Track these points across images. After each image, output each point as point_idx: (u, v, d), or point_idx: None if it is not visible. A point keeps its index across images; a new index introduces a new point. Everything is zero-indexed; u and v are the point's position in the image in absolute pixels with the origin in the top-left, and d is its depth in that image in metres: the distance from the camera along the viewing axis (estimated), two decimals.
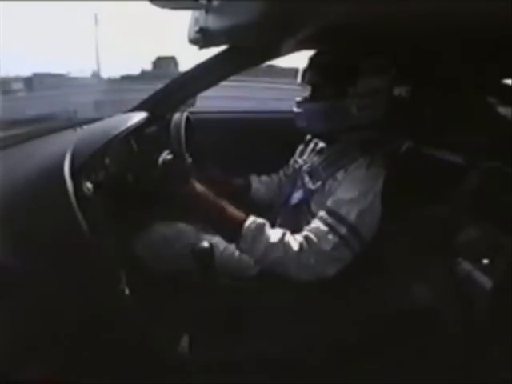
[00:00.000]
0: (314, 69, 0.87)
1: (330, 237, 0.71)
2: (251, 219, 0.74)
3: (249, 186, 1.12)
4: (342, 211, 0.73)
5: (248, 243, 0.71)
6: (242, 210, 0.77)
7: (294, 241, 0.72)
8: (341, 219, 0.73)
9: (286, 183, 1.04)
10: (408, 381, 0.76)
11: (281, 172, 1.15)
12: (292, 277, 0.73)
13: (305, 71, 0.88)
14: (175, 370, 0.74)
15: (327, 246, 0.71)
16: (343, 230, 0.72)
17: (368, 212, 0.74)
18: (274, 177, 1.16)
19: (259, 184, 1.13)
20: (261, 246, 0.71)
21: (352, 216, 0.73)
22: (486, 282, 0.73)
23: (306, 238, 0.73)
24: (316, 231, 0.73)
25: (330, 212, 0.74)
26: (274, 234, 0.72)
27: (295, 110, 0.89)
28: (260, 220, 0.74)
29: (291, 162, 1.11)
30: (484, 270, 0.74)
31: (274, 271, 0.74)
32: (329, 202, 0.76)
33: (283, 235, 0.73)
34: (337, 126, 0.85)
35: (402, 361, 0.75)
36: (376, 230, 0.76)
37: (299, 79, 0.89)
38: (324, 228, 0.73)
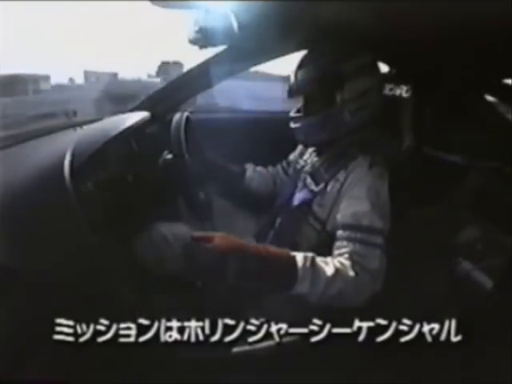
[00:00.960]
0: (299, 82, 0.87)
1: (371, 252, 0.70)
2: (300, 258, 0.65)
3: (243, 173, 1.12)
4: (366, 222, 0.72)
5: (307, 286, 0.64)
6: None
7: (345, 267, 0.68)
8: (371, 230, 0.71)
9: (286, 182, 1.04)
10: (407, 381, 0.76)
11: (279, 166, 1.15)
12: (351, 304, 0.69)
13: (291, 86, 0.88)
14: (175, 369, 0.74)
15: (375, 262, 0.69)
16: (379, 240, 0.71)
17: (386, 212, 0.75)
18: (271, 169, 1.16)
19: (253, 173, 1.13)
20: (321, 284, 0.65)
21: (378, 223, 0.72)
22: (486, 281, 0.73)
23: (351, 260, 0.69)
24: (356, 251, 0.70)
25: (355, 228, 0.72)
26: (327, 266, 0.67)
27: (291, 125, 0.90)
28: (308, 254, 0.67)
29: (291, 157, 1.11)
30: (484, 269, 0.74)
31: (332, 304, 0.69)
32: (346, 218, 0.74)
33: (334, 264, 0.68)
34: (334, 133, 0.85)
35: (400, 361, 0.75)
36: None
37: (289, 93, 0.90)
38: (360, 246, 0.70)
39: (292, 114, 0.91)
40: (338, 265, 0.68)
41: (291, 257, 0.66)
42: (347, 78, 0.81)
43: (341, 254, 0.71)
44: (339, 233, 0.74)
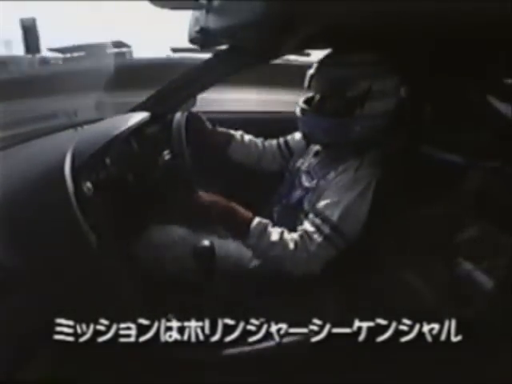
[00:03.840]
0: (323, 78, 0.85)
1: (316, 236, 0.77)
2: (257, 219, 0.80)
3: (229, 142, 1.11)
4: (327, 212, 0.78)
5: (254, 240, 0.78)
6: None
7: (291, 240, 0.78)
8: (325, 219, 0.78)
9: (285, 180, 1.03)
10: (407, 381, 0.76)
11: (274, 142, 1.14)
12: (286, 271, 0.79)
13: (312, 76, 0.86)
14: (175, 369, 0.74)
15: (313, 246, 0.76)
16: (327, 230, 0.77)
17: (351, 212, 0.78)
18: (260, 143, 1.14)
19: (239, 145, 1.12)
20: (264, 243, 0.77)
21: (335, 216, 0.77)
22: (486, 281, 0.73)
23: (300, 236, 0.78)
24: (306, 231, 0.78)
25: (316, 213, 0.80)
26: (275, 233, 0.78)
27: (298, 115, 0.89)
28: (264, 220, 0.81)
29: (291, 140, 1.11)
30: (484, 270, 0.74)
31: (272, 266, 0.82)
32: (317, 204, 0.81)
33: (282, 234, 0.79)
34: (337, 139, 0.85)
35: (400, 361, 0.75)
36: (361, 228, 0.79)
37: (305, 84, 0.87)
38: (311, 228, 0.78)
39: (301, 104, 0.88)
40: (285, 237, 0.78)
41: (251, 218, 0.80)
42: (372, 96, 0.80)
43: (298, 230, 0.80)
44: (309, 214, 0.82)
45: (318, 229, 0.77)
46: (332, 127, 0.83)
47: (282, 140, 1.13)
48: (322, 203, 0.80)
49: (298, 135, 1.10)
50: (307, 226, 0.79)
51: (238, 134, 1.13)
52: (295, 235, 0.79)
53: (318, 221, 0.78)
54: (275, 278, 0.83)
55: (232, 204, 0.82)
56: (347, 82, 0.80)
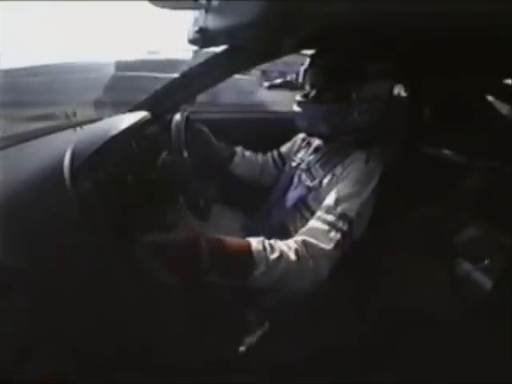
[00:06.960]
0: (317, 70, 0.86)
1: (332, 234, 0.71)
2: (254, 242, 0.67)
3: (231, 158, 1.13)
4: (341, 207, 0.73)
5: (263, 268, 0.64)
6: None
7: (289, 250, 0.68)
8: (342, 216, 0.72)
9: (281, 179, 1.03)
10: (408, 381, 0.76)
11: (269, 155, 1.16)
12: (296, 287, 0.70)
13: (306, 71, 0.87)
14: (175, 370, 0.74)
15: (329, 245, 0.69)
16: (345, 227, 0.71)
17: (364, 207, 0.75)
18: (260, 157, 1.16)
19: (241, 160, 1.14)
20: (271, 263, 0.65)
21: (352, 212, 0.73)
22: (486, 281, 0.73)
23: (302, 242, 0.70)
24: (315, 232, 0.71)
25: (328, 210, 0.74)
26: (271, 251, 0.67)
27: (295, 109, 0.89)
28: (258, 239, 0.69)
29: (283, 149, 1.13)
30: (484, 270, 0.74)
31: (281, 288, 0.70)
32: (327, 201, 0.76)
33: (279, 247, 0.68)
34: (337, 128, 0.85)
35: (401, 362, 0.75)
36: (366, 228, 0.76)
37: (299, 79, 0.89)
38: (324, 227, 0.72)
39: (298, 98, 0.89)
40: (282, 248, 0.68)
41: (248, 243, 0.66)
42: (368, 78, 0.80)
43: (300, 234, 0.72)
44: (316, 213, 0.76)
45: (335, 226, 0.71)
46: (331, 115, 0.83)
47: (275, 153, 1.15)
48: (332, 199, 0.75)
49: (288, 144, 1.12)
50: (318, 224, 0.72)
51: (239, 149, 1.15)
52: (292, 243, 0.70)
53: (331, 217, 0.72)
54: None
55: (218, 238, 0.65)
56: (342, 67, 0.81)
